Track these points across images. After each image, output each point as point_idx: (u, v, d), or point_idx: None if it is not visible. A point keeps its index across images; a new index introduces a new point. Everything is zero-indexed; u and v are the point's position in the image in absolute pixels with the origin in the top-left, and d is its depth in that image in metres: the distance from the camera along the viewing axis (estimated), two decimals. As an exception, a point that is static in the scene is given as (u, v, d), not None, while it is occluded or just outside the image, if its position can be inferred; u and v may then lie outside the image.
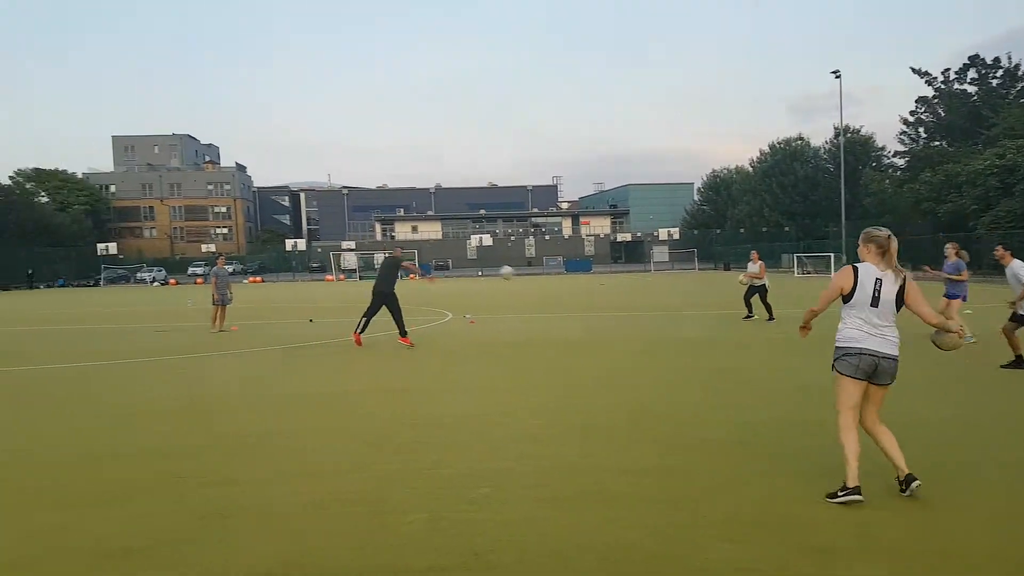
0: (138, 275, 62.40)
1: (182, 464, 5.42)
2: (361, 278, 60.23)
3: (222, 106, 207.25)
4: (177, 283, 57.99)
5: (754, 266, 16.11)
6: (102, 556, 3.73)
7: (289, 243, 66.81)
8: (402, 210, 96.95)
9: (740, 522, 4.04)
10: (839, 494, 4.26)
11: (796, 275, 45.82)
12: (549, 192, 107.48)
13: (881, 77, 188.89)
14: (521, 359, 10.70)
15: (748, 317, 15.87)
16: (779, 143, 72.14)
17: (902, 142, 60.25)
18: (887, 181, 57.35)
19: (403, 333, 12.45)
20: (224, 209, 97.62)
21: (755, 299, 15.96)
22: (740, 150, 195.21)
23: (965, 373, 8.75)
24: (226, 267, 17.28)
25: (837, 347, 4.47)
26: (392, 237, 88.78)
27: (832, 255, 45.90)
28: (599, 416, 6.73)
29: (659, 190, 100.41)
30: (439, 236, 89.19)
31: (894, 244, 4.49)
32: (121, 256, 70.13)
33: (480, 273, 63.71)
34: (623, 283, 40.19)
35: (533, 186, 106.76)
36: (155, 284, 57.91)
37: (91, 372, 10.37)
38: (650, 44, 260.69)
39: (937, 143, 57.33)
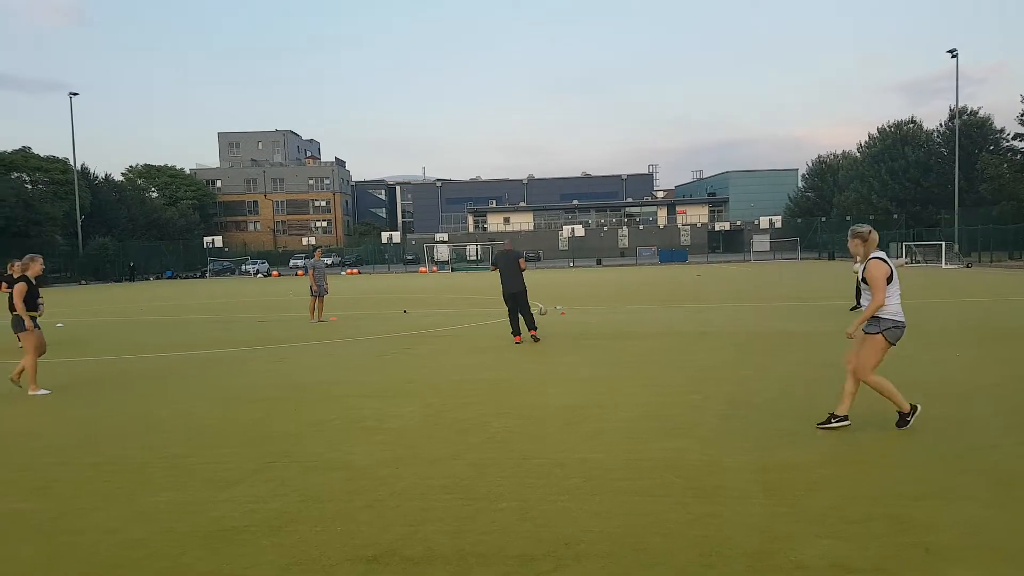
0: (243, 267, 65.64)
1: (285, 448, 5.70)
2: (453, 270, 61.32)
3: (323, 103, 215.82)
4: (279, 275, 60.76)
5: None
6: (209, 536, 3.97)
7: (385, 236, 68.58)
8: (494, 201, 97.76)
9: (843, 518, 3.88)
10: (908, 418, 5.58)
11: (904, 263, 43.18)
12: (644, 181, 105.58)
13: (1002, 55, 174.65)
14: (612, 351, 10.62)
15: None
16: (889, 127, 68.24)
17: (1023, 124, 55.55)
18: (1005, 165, 53.22)
19: (533, 327, 11.77)
20: (324, 203, 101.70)
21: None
22: (848, 135, 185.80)
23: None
24: (323, 259, 17.97)
25: (891, 319, 5.44)
26: (484, 229, 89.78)
27: (943, 243, 42.91)
28: (691, 409, 6.60)
29: (761, 177, 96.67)
30: (531, 227, 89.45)
31: (875, 236, 5.75)
32: (226, 249, 74.01)
33: (571, 264, 63.51)
34: (721, 273, 39.03)
35: (628, 175, 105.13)
36: (258, 276, 60.60)
37: (203, 360, 11.06)
38: (751, 25, 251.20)
39: (1062, 125, 52.74)
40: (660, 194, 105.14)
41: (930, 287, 23.19)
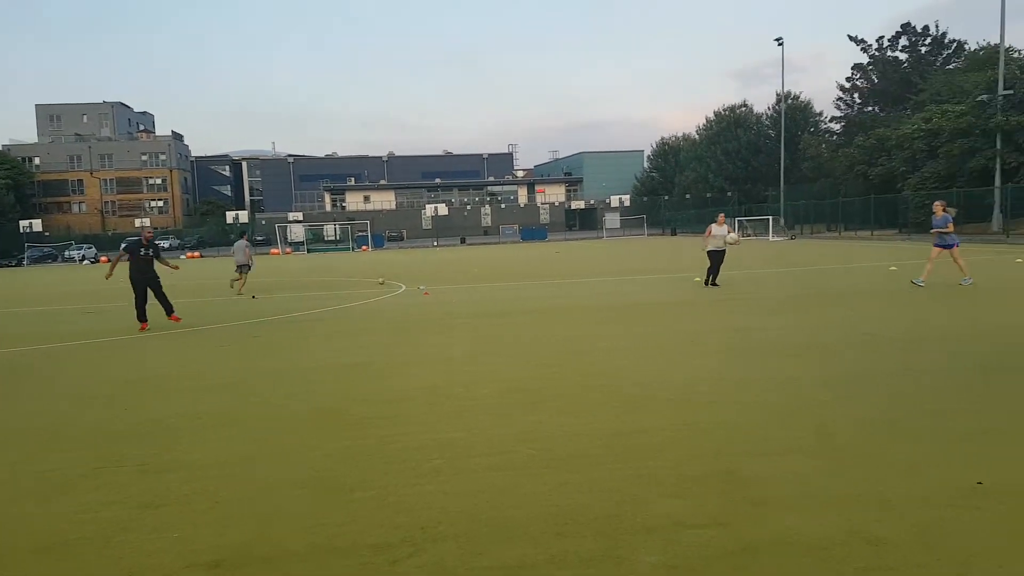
0: (66, 253, 59.46)
1: (118, 450, 5.23)
2: (309, 251, 59.15)
3: (157, 72, 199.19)
4: (108, 260, 55.80)
5: (720, 228, 15.11)
6: (36, 551, 3.58)
7: (230, 215, 64.68)
8: (353, 179, 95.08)
9: (685, 477, 4.11)
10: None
11: (735, 239, 46.95)
12: (505, 160, 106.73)
13: (823, 44, 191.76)
14: (476, 330, 10.66)
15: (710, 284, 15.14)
16: (724, 110, 73.46)
17: (838, 108, 62.21)
18: (823, 146, 58.95)
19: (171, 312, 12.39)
20: (159, 181, 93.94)
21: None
22: (688, 118, 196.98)
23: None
24: (245, 240, 19.28)
25: None
26: (343, 207, 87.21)
27: (771, 218, 47.26)
28: (553, 382, 6.75)
29: (611, 158, 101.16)
30: (393, 206, 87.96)
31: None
32: (47, 233, 66.16)
33: (436, 243, 63.22)
34: (578, 250, 40.47)
35: (488, 154, 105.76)
36: (84, 262, 55.39)
37: (19, 357, 9.92)
38: (602, 10, 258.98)
39: (870, 108, 59.16)
40: (520, 173, 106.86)
41: (761, 258, 25.21)
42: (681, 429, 5.08)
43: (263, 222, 77.39)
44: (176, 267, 13.46)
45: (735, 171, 69.06)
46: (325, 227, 72.70)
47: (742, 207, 59.08)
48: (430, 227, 76.07)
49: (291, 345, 9.93)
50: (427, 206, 74.60)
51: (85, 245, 62.13)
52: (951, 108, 38.28)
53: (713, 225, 15.23)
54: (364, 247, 60.45)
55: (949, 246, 13.44)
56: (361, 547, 3.46)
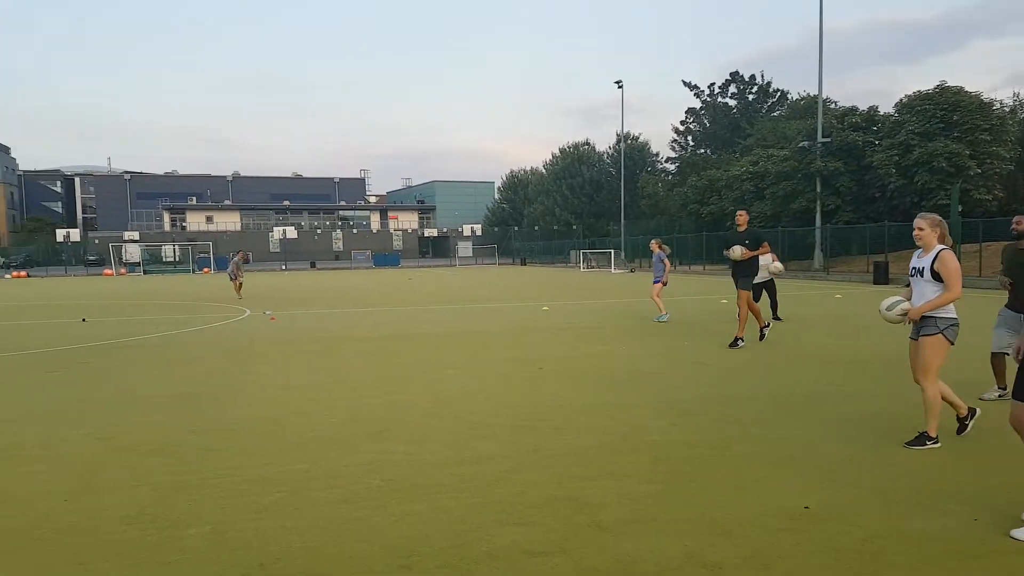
0: None
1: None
2: (146, 272, 55.10)
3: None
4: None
5: (764, 258, 12.61)
6: None
7: (61, 233, 59.32)
8: (195, 198, 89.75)
9: (529, 504, 4.24)
10: (967, 422, 5.46)
11: (581, 269, 49.28)
12: (357, 185, 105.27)
13: (658, 88, 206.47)
14: (322, 357, 10.41)
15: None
16: (569, 147, 77.11)
17: (673, 149, 67.18)
18: (660, 184, 63.12)
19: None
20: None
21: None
22: (537, 152, 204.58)
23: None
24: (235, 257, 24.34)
25: (952, 319, 5.09)
26: (184, 227, 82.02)
27: (612, 251, 50.08)
28: (398, 411, 6.74)
29: (463, 187, 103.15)
30: (238, 228, 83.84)
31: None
32: None
33: (284, 267, 60.86)
34: (431, 277, 40.51)
35: (340, 179, 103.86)
36: None
37: None
38: (457, 44, 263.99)
39: (702, 151, 64.33)
40: (373, 199, 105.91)
41: (602, 289, 26.53)
42: (525, 456, 5.26)
43: (96, 241, 71.17)
44: None
45: (579, 206, 72.58)
46: (164, 248, 68.03)
47: (587, 240, 61.88)
48: (278, 250, 73.28)
49: (122, 372, 9.21)
50: (275, 228, 71.86)
51: None
52: (776, 152, 41.79)
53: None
54: (206, 269, 57.19)
55: (656, 282, 14.25)
56: (192, 587, 3.30)
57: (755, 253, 10.56)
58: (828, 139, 37.05)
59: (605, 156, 75.01)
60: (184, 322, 15.76)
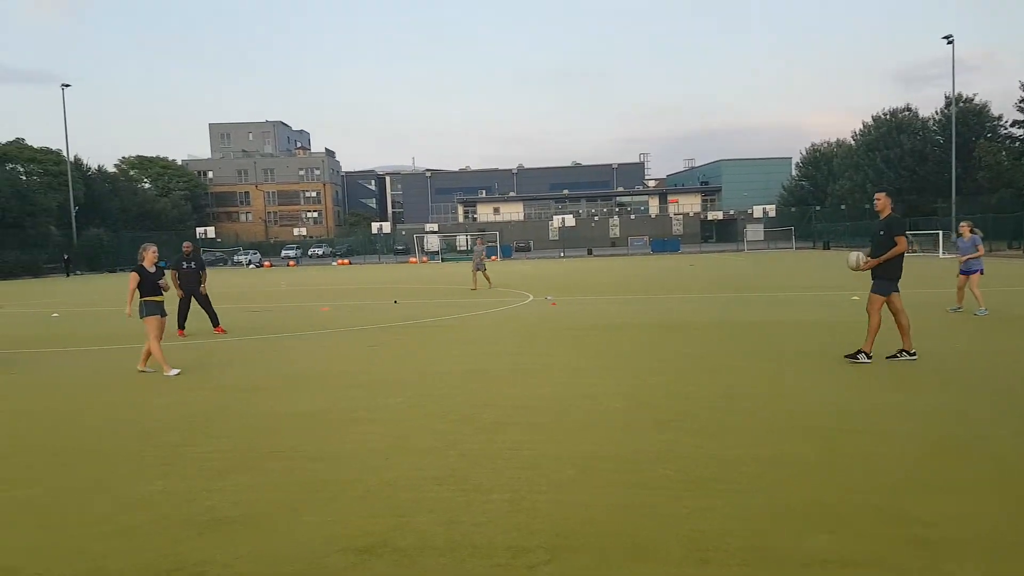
0: (235, 258, 65.25)
1: (276, 438, 5.64)
2: (443, 260, 61.14)
3: (312, 93, 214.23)
4: (271, 265, 60.37)
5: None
6: (203, 525, 3.92)
7: (375, 226, 68.46)
8: (484, 192, 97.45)
9: (835, 512, 3.85)
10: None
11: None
12: (635, 170, 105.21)
13: (995, 42, 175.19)
14: (604, 342, 10.58)
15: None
16: (884, 114, 68.03)
17: (1021, 110, 55.49)
18: (1003, 153, 53.10)
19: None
20: (314, 194, 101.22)
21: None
22: (842, 123, 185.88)
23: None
24: (483, 246, 24.12)
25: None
26: (474, 219, 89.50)
27: (940, 232, 40.91)
28: (682, 400, 6.57)
29: (753, 166, 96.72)
30: (521, 217, 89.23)
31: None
32: (219, 240, 73.51)
33: (562, 254, 63.46)
34: (716, 263, 38.86)
35: (618, 164, 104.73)
36: (251, 266, 60.31)
37: (197, 349, 10.94)
38: (742, 12, 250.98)
39: (1060, 109, 52.65)
40: (651, 183, 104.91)
41: (923, 277, 23.22)
42: (836, 459, 4.77)
43: (403, 233, 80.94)
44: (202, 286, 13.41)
45: (897, 180, 63.35)
46: (458, 237, 74.97)
47: (907, 220, 54.49)
48: (557, 238, 76.44)
49: (422, 350, 10.28)
50: (554, 217, 74.97)
51: (251, 251, 68.00)
52: None
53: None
54: (493, 257, 61.79)
55: (972, 271, 12.49)
56: (497, 547, 3.52)
57: (878, 261, 8.04)
58: None
59: (931, 123, 64.60)
60: (475, 305, 17.15)
